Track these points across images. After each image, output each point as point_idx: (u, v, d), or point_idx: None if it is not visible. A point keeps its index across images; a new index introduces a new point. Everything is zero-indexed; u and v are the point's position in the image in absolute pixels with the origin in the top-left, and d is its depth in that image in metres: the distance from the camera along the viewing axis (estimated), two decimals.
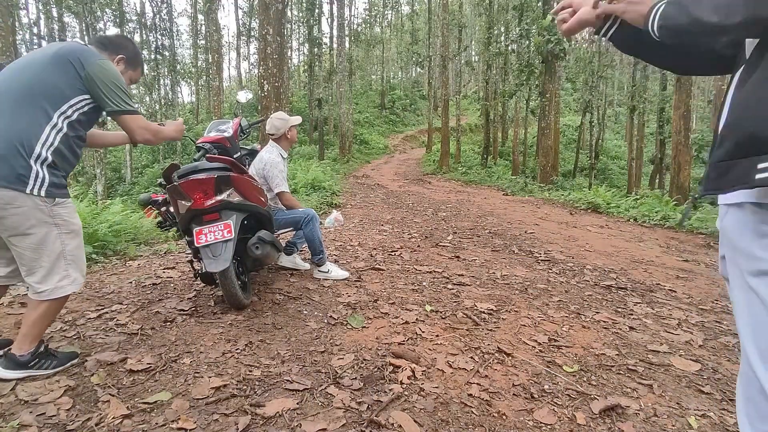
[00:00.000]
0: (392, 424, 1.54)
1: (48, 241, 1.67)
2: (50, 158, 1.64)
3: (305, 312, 2.62)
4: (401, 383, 1.82)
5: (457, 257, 4.19)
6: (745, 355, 0.73)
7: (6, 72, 1.70)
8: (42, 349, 1.77)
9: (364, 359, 2.03)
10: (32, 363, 1.74)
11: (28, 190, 1.59)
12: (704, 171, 0.77)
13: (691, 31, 0.75)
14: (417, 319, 2.56)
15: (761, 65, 0.70)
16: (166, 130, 1.98)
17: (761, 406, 0.69)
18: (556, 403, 1.76)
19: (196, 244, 2.29)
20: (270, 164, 3.14)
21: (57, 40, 22.11)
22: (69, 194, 1.77)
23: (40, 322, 1.74)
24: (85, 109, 1.73)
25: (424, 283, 3.29)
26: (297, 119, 3.39)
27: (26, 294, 1.93)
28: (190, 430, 1.47)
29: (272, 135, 3.30)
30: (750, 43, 0.77)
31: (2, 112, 1.60)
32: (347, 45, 25.74)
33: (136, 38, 24.41)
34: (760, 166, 0.63)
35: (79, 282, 1.79)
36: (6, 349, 1.76)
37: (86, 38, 18.80)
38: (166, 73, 24.44)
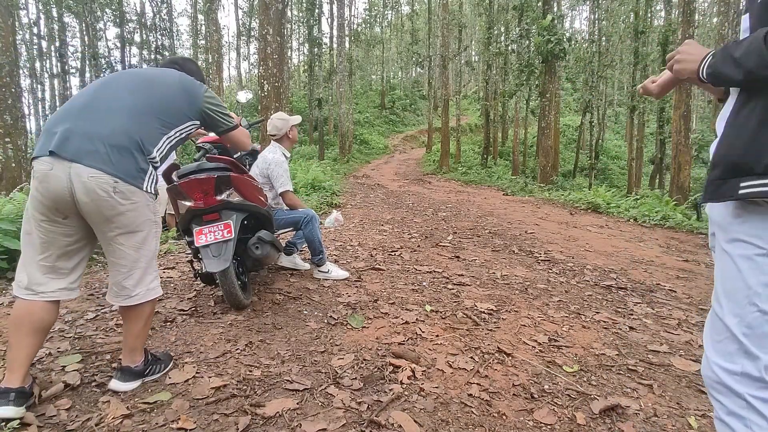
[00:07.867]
0: (392, 424, 1.54)
1: (149, 239, 1.69)
2: (159, 163, 1.71)
3: (305, 312, 2.63)
4: (401, 383, 1.82)
5: (457, 257, 4.19)
6: (714, 298, 1.08)
7: (127, 78, 1.78)
8: (150, 356, 1.80)
9: (364, 359, 2.03)
10: (146, 371, 1.77)
11: (144, 188, 1.63)
12: (704, 184, 1.04)
13: (732, 78, 0.94)
14: (417, 319, 2.56)
15: (748, 105, 0.94)
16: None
17: (716, 326, 1.05)
18: (556, 403, 1.76)
19: (196, 244, 2.29)
20: (275, 163, 3.14)
21: (57, 40, 22.18)
22: None
23: (143, 330, 1.74)
24: (191, 131, 1.90)
25: (424, 283, 3.29)
26: (297, 118, 3.40)
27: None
28: (190, 430, 1.47)
29: (273, 135, 3.29)
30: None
31: (127, 111, 1.64)
32: (347, 45, 25.72)
33: (136, 38, 24.46)
34: (742, 184, 0.94)
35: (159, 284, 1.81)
36: (119, 364, 1.76)
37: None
38: None
